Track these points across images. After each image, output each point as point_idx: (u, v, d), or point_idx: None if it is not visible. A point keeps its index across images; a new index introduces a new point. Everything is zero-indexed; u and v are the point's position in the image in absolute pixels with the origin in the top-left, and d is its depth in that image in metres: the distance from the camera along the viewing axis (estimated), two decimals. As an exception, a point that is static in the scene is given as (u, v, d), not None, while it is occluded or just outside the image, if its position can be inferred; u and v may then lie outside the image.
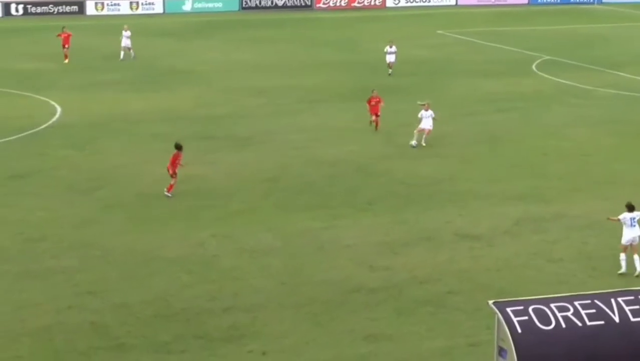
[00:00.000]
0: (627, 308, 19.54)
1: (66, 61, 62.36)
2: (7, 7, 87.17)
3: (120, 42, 64.11)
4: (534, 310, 19.22)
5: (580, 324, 19.17)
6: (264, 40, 73.27)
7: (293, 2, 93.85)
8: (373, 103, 43.82)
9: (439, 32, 78.98)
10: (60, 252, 28.99)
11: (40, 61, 62.84)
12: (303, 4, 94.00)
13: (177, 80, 56.70)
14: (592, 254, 28.94)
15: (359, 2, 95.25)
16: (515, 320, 19.02)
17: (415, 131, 40.94)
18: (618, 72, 59.41)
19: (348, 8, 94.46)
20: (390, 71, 58.05)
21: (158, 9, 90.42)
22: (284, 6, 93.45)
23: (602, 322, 19.28)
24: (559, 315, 19.17)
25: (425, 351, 22.93)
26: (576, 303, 19.47)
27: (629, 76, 58.37)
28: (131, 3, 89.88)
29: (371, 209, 33.14)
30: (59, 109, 48.58)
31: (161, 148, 38.83)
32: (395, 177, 36.82)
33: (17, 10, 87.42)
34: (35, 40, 72.10)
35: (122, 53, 63.90)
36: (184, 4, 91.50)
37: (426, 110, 41.24)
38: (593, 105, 50.34)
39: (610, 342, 19.18)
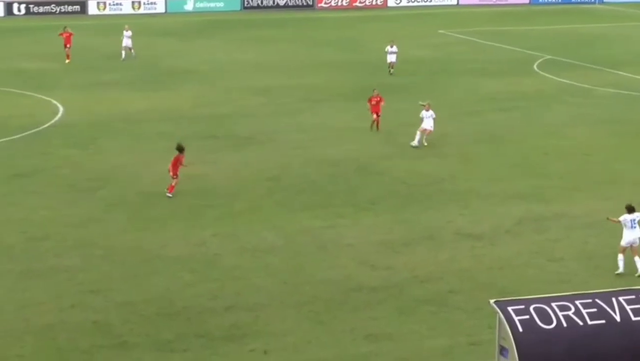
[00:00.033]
0: (628, 307, 19.53)
1: (68, 60, 62.38)
2: (9, 6, 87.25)
3: (121, 42, 64.16)
4: (535, 309, 19.21)
5: (581, 323, 19.16)
6: (266, 40, 73.29)
7: (295, 1, 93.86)
8: (374, 102, 43.80)
9: (440, 31, 79.02)
10: (63, 251, 29.05)
11: (43, 61, 62.90)
12: (304, 4, 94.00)
13: (179, 79, 56.75)
14: (593, 253, 28.97)
15: (360, 2, 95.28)
16: (516, 318, 19.02)
17: (417, 131, 41.00)
18: (619, 72, 59.42)
19: (349, 8, 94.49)
20: (391, 70, 58.07)
21: (160, 8, 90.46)
22: (286, 6, 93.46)
23: (603, 321, 19.28)
24: (560, 314, 19.18)
25: (426, 350, 22.96)
26: (577, 302, 19.47)
27: (629, 75, 58.37)
28: (133, 3, 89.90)
29: (372, 208, 33.18)
30: (61, 108, 48.64)
31: (163, 148, 38.89)
32: (396, 177, 36.85)
33: (19, 10, 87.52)
34: (37, 40, 72.16)
35: (123, 53, 63.80)
36: (185, 3, 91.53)
37: (427, 110, 41.29)
38: (594, 104, 50.36)
39: (611, 341, 19.18)
